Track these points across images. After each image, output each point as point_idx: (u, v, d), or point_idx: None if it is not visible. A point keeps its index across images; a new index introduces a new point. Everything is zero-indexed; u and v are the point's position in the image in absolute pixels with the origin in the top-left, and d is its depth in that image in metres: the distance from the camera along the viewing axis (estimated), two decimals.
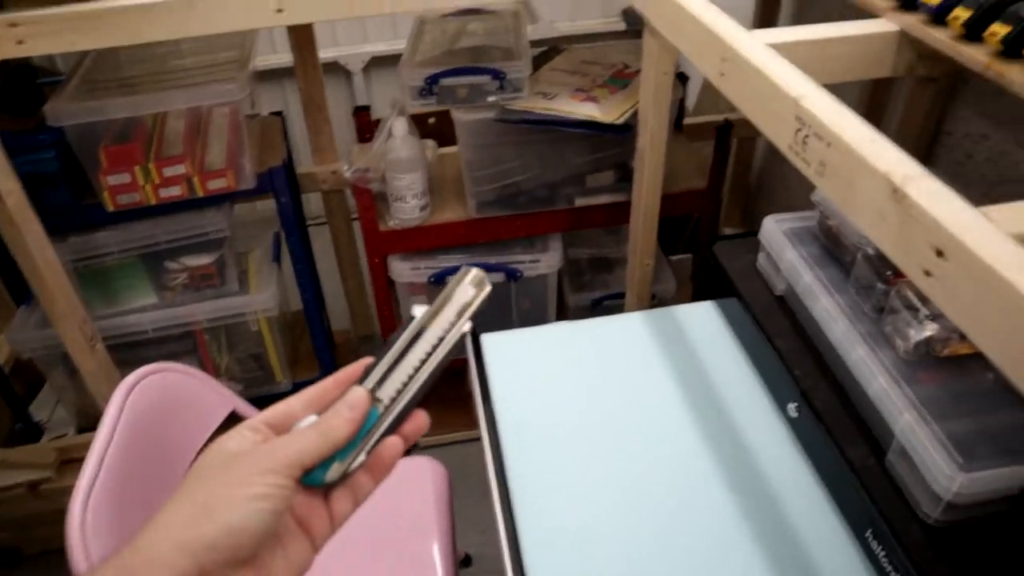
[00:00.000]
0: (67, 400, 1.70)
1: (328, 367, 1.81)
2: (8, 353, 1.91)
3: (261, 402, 1.44)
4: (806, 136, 0.65)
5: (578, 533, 0.83)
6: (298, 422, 0.51)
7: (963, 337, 0.77)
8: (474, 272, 0.50)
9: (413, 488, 1.25)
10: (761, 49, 0.73)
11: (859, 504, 0.78)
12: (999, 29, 0.68)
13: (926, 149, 1.26)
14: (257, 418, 0.51)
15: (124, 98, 1.31)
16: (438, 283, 1.59)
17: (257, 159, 1.49)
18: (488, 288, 0.50)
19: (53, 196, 1.38)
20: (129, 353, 1.54)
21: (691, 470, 0.89)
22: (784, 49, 0.75)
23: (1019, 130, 1.09)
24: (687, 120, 1.77)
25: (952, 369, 0.79)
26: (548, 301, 1.68)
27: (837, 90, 0.66)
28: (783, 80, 0.68)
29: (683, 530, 0.83)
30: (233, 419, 1.21)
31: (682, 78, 1.51)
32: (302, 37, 1.62)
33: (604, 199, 1.53)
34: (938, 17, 0.76)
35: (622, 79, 1.40)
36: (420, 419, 0.56)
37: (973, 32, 0.72)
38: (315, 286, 1.78)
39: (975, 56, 0.71)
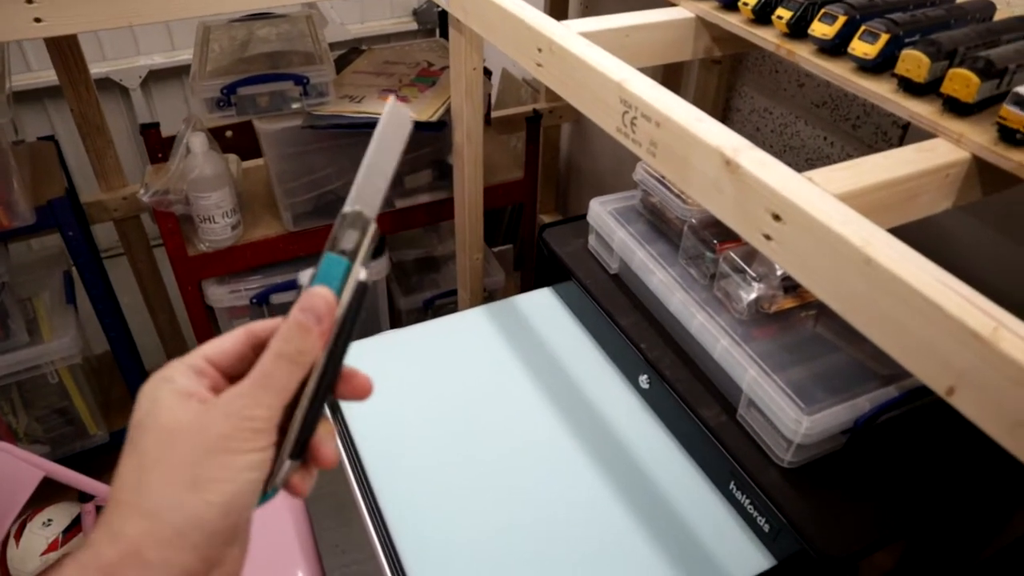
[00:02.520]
0: None
1: None
2: None
3: (76, 460, 1.30)
4: (634, 118, 0.67)
5: (452, 531, 0.82)
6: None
7: (786, 292, 0.84)
8: (351, 211, 0.42)
9: (270, 524, 1.17)
10: (575, 38, 0.75)
11: (719, 460, 0.83)
12: (784, 13, 0.74)
13: None
14: (196, 356, 0.41)
15: None
16: (261, 303, 1.50)
17: (32, 191, 1.32)
18: (374, 227, 0.42)
19: None
20: None
21: (554, 453, 0.91)
22: (593, 38, 0.77)
23: (794, 103, 1.20)
24: (494, 114, 1.79)
25: (781, 323, 0.85)
26: (380, 308, 1.63)
27: None
28: (604, 66, 0.69)
29: (554, 512, 0.84)
30: (48, 485, 1.07)
31: (486, 73, 1.52)
32: (67, 52, 1.45)
33: (424, 198, 1.51)
34: (729, 4, 0.81)
35: (429, 77, 1.38)
36: (359, 380, 0.45)
37: (761, 16, 0.77)
38: (121, 324, 1.61)
39: (767, 37, 0.77)
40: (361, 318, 0.43)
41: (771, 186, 0.54)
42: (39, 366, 1.43)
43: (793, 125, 1.22)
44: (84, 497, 1.19)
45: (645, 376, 0.95)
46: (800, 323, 0.86)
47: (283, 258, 1.48)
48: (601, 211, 1.05)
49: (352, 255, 0.41)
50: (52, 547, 1.42)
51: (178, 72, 2.26)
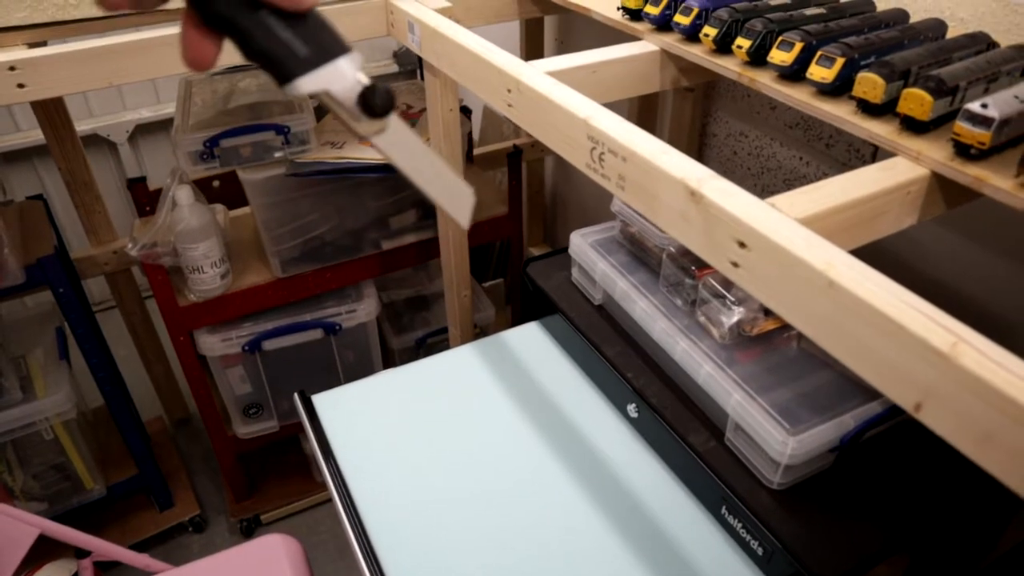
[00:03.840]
0: None
1: (145, 462, 1.65)
2: None
3: (74, 515, 1.29)
4: (601, 154, 0.69)
5: (448, 568, 0.81)
6: None
7: (767, 315, 0.85)
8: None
9: (269, 571, 1.17)
10: (542, 78, 0.77)
11: (710, 485, 0.83)
12: (743, 42, 0.76)
13: (697, 152, 1.38)
14: None
15: None
16: (253, 351, 1.50)
17: (21, 250, 1.33)
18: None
19: None
20: None
21: (547, 486, 0.91)
22: (561, 76, 0.79)
23: (768, 126, 1.22)
24: (476, 151, 1.81)
25: (763, 345, 0.86)
26: (372, 349, 1.64)
27: (610, 109, 0.71)
28: (570, 104, 0.71)
29: (548, 545, 0.83)
30: (46, 542, 1.07)
31: (466, 111, 1.55)
32: (53, 112, 1.48)
33: (410, 238, 1.53)
34: (691, 36, 0.83)
35: (408, 119, 1.40)
36: None
37: (723, 46, 0.79)
38: (115, 377, 1.62)
39: (729, 67, 0.79)
40: None
41: (735, 214, 0.55)
42: (33, 423, 1.43)
43: (769, 147, 1.24)
44: (81, 553, 1.18)
45: (633, 405, 0.95)
46: (783, 343, 0.87)
47: (273, 304, 1.49)
48: (582, 243, 1.06)
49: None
50: None
51: (165, 125, 2.29)
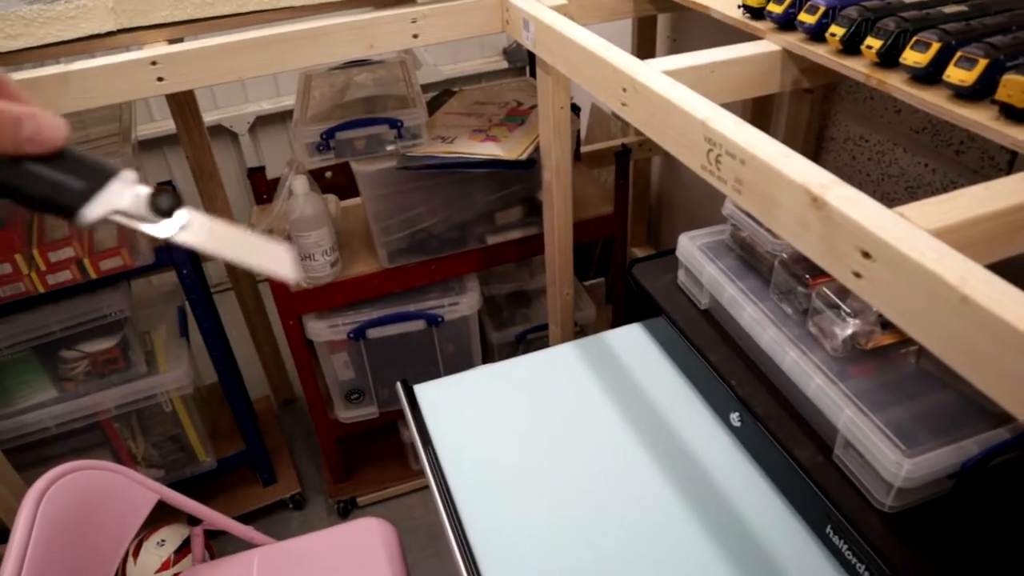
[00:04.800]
0: None
1: (252, 438, 1.73)
2: None
3: (186, 485, 1.37)
4: (718, 156, 0.67)
5: (538, 565, 0.81)
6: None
7: (885, 328, 0.81)
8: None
9: (364, 553, 1.20)
10: (659, 77, 0.75)
11: (814, 502, 0.80)
12: (873, 43, 0.73)
13: (813, 156, 1.33)
14: None
15: None
16: (358, 338, 1.55)
17: None
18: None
19: None
20: (32, 454, 1.43)
21: (645, 492, 0.89)
22: (678, 75, 0.78)
23: (892, 130, 1.16)
24: (583, 149, 1.80)
25: (879, 360, 0.82)
26: (472, 342, 1.66)
27: (725, 109, 0.69)
28: (688, 104, 0.70)
29: (645, 551, 0.82)
30: (161, 508, 1.14)
31: (574, 109, 1.54)
32: (184, 104, 1.57)
33: (515, 234, 1.54)
34: (816, 35, 0.80)
35: (518, 116, 1.41)
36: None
37: (850, 46, 0.76)
38: (228, 356, 1.70)
39: (856, 68, 0.76)
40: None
41: (860, 223, 0.52)
42: (155, 395, 1.53)
43: (891, 152, 1.17)
44: (193, 520, 1.26)
45: (736, 414, 0.93)
46: (900, 360, 0.82)
47: (379, 294, 1.53)
48: (690, 246, 1.04)
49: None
50: (165, 566, 1.51)
51: (283, 117, 2.39)
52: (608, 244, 2.10)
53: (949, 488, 0.74)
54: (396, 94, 1.40)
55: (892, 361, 0.82)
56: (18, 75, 0.98)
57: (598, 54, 0.82)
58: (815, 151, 1.33)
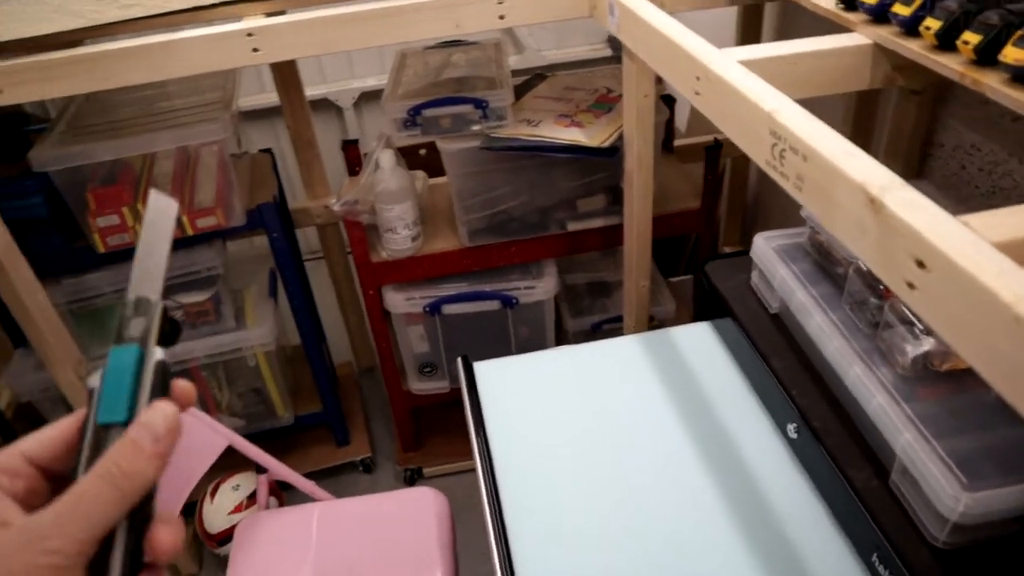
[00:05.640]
0: None
1: (329, 399, 1.79)
2: (9, 397, 1.91)
3: (265, 436, 1.44)
4: (783, 150, 0.64)
5: (575, 559, 0.81)
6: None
7: None
8: (133, 298, 0.39)
9: (415, 520, 1.23)
10: (733, 66, 0.72)
11: (864, 527, 0.75)
12: (971, 38, 0.67)
13: (918, 162, 1.24)
14: (11, 453, 0.35)
15: (108, 141, 1.31)
16: (433, 312, 1.58)
17: (247, 196, 1.49)
18: (160, 307, 0.39)
19: (44, 241, 1.37)
20: None
21: (691, 493, 0.87)
22: (756, 66, 0.74)
23: (1010, 140, 1.07)
24: (678, 142, 1.76)
25: (952, 384, 0.76)
26: (546, 327, 1.66)
27: (821, 105, 0.65)
28: (756, 95, 0.66)
29: (683, 555, 0.80)
30: (237, 455, 1.19)
31: (668, 100, 1.51)
32: (286, 76, 1.63)
33: (597, 223, 1.52)
34: (910, 28, 0.74)
35: (606, 103, 1.39)
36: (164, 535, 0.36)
37: (946, 42, 0.70)
38: (312, 320, 1.77)
39: (950, 65, 0.70)
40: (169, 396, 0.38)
41: (917, 229, 0.49)
42: (241, 349, 1.61)
43: (1005, 164, 1.08)
44: (260, 470, 1.31)
45: (793, 425, 0.88)
46: (976, 386, 0.76)
47: (457, 271, 1.55)
48: (765, 247, 0.99)
49: (143, 340, 0.38)
50: (237, 509, 1.59)
51: None
52: (698, 241, 2.04)
53: (1015, 531, 0.68)
54: (486, 75, 1.40)
55: (967, 387, 0.76)
56: (129, 43, 1.04)
57: (674, 40, 0.79)
58: (920, 157, 1.24)
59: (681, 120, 2.11)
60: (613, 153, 1.27)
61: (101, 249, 1.39)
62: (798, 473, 0.88)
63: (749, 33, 1.58)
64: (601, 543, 0.83)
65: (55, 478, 0.35)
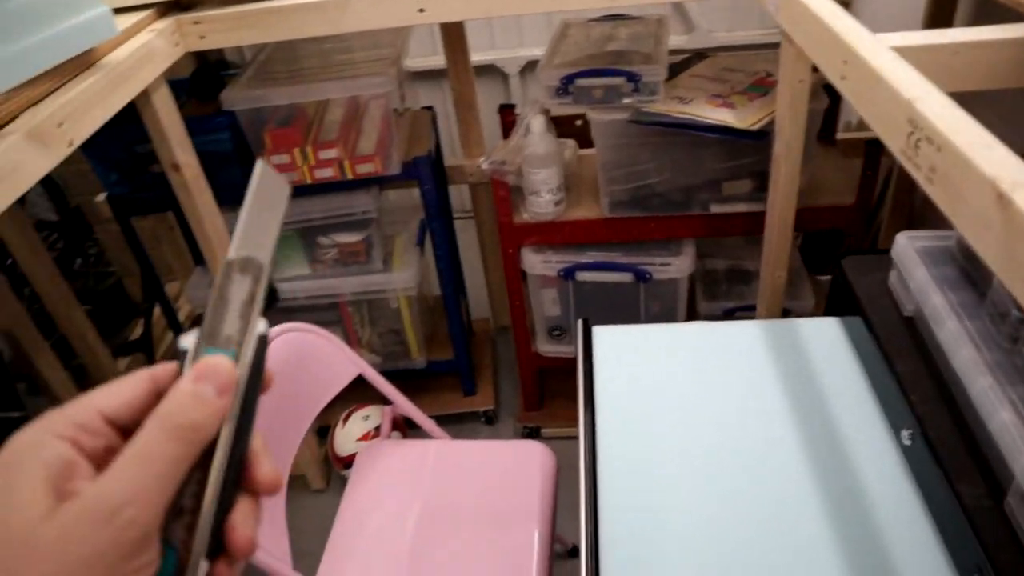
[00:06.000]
0: None
1: (461, 349, 1.89)
2: (190, 310, 2.16)
3: (398, 376, 1.55)
4: (918, 140, 0.62)
5: (660, 538, 0.83)
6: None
7: None
8: (236, 257, 0.37)
9: (522, 471, 1.29)
10: (883, 52, 0.70)
11: (969, 546, 0.72)
12: None
13: None
14: (85, 407, 0.32)
15: (287, 87, 1.44)
16: (567, 277, 1.61)
17: (405, 148, 1.59)
18: (267, 274, 0.37)
19: (226, 172, 1.54)
20: (282, 317, 1.68)
21: (791, 485, 0.86)
22: (910, 53, 0.71)
23: None
24: (844, 134, 1.68)
25: None
26: (678, 306, 1.65)
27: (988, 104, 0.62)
28: (899, 81, 0.64)
29: (772, 551, 0.80)
30: (359, 384, 1.29)
31: (829, 90, 1.44)
32: (453, 38, 1.71)
33: (741, 207, 1.49)
34: None
35: (763, 87, 1.35)
36: (263, 470, 0.35)
37: None
38: (454, 272, 1.86)
39: None
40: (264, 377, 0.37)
41: None
42: (385, 291, 1.72)
43: None
44: (387, 402, 1.42)
45: (909, 431, 0.85)
46: None
47: (594, 240, 1.58)
48: (907, 247, 0.95)
49: (246, 308, 0.36)
50: (365, 437, 1.73)
51: None
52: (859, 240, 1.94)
53: None
54: (644, 51, 1.40)
55: None
56: None
57: (825, 22, 0.78)
58: None
59: (853, 113, 2.00)
60: (762, 136, 1.24)
61: None
62: (906, 481, 0.85)
63: (938, 18, 1.47)
64: (689, 527, 0.83)
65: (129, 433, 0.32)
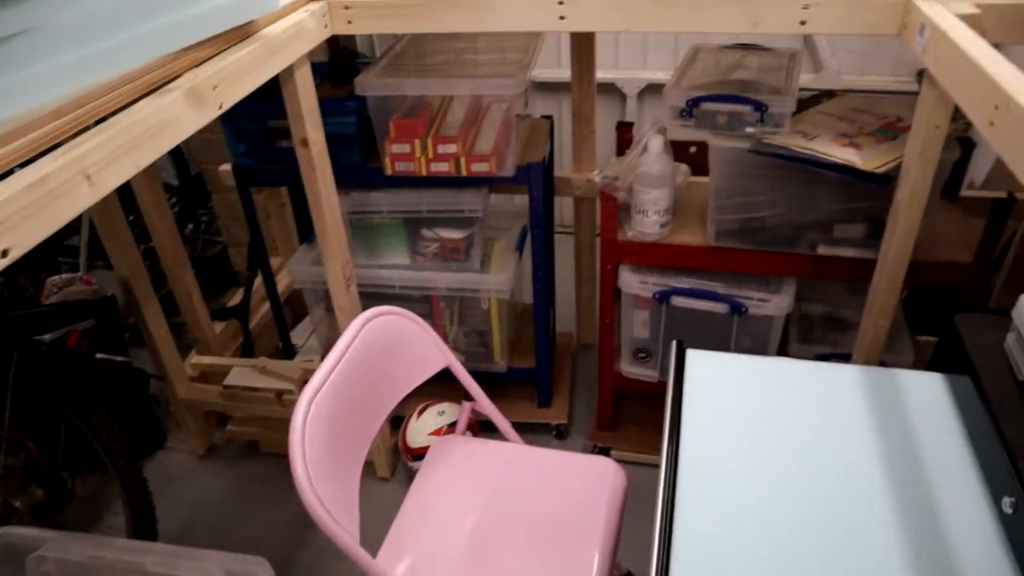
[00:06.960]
0: (320, 332, 1.96)
1: (542, 360, 1.90)
2: (287, 285, 2.25)
3: (477, 377, 1.58)
4: None
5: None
6: None
7: None
8: None
9: (592, 487, 1.28)
10: None
11: None
12: None
13: None
14: None
15: (417, 79, 1.50)
16: (662, 301, 1.61)
17: (520, 153, 1.62)
18: None
19: (347, 155, 1.61)
20: (375, 302, 1.73)
21: (878, 545, 0.83)
22: None
23: None
24: (968, 193, 1.62)
25: None
26: (770, 343, 1.62)
27: None
28: None
29: None
30: (434, 381, 1.31)
31: (966, 144, 1.40)
32: (583, 51, 1.73)
33: (850, 252, 1.45)
34: None
35: (892, 130, 1.32)
36: None
37: None
38: (547, 282, 1.88)
39: None
40: None
41: None
42: (478, 291, 1.76)
43: None
44: (467, 398, 1.44)
45: (1011, 499, 0.82)
46: None
47: (696, 267, 1.57)
48: None
49: None
50: (437, 432, 1.76)
51: None
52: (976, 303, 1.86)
53: None
54: (773, 83, 1.40)
55: None
56: None
57: (977, 63, 0.76)
58: None
59: (979, 172, 1.92)
60: (885, 181, 1.22)
61: (388, 172, 1.59)
62: (1003, 551, 0.81)
63: None
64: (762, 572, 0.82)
65: None
